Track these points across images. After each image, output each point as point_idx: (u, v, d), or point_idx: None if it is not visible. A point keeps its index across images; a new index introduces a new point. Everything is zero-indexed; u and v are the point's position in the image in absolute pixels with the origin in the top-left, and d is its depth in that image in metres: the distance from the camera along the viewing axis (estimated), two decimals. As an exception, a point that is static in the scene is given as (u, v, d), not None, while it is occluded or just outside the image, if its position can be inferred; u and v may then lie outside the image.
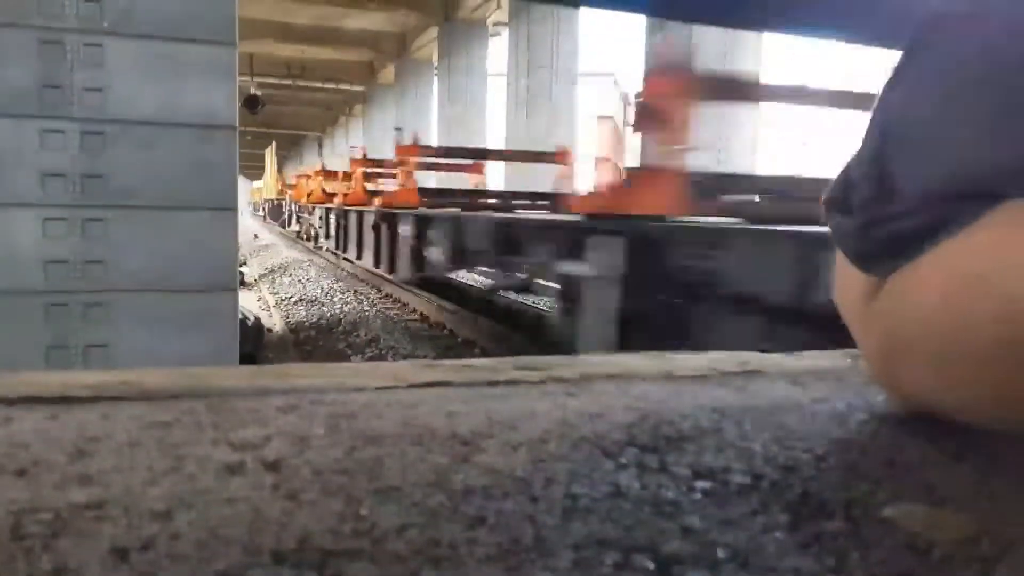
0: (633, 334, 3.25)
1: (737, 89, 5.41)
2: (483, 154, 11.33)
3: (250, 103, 18.03)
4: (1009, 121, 0.42)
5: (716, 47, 7.51)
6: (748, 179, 5.72)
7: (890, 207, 0.47)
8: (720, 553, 0.32)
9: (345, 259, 10.40)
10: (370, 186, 11.26)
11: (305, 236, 15.45)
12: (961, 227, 0.43)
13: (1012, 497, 0.40)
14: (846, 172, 0.52)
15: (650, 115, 3.87)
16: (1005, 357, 0.41)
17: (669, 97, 3.87)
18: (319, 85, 21.80)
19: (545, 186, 9.45)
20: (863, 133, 0.50)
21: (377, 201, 9.38)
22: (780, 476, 0.42)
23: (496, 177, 12.52)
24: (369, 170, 11.88)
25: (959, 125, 0.45)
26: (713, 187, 4.44)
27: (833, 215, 0.53)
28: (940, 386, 0.47)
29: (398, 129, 11.55)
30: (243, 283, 7.39)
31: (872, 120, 0.50)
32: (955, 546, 0.33)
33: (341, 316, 6.69)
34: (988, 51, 0.44)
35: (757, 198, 4.68)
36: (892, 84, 0.50)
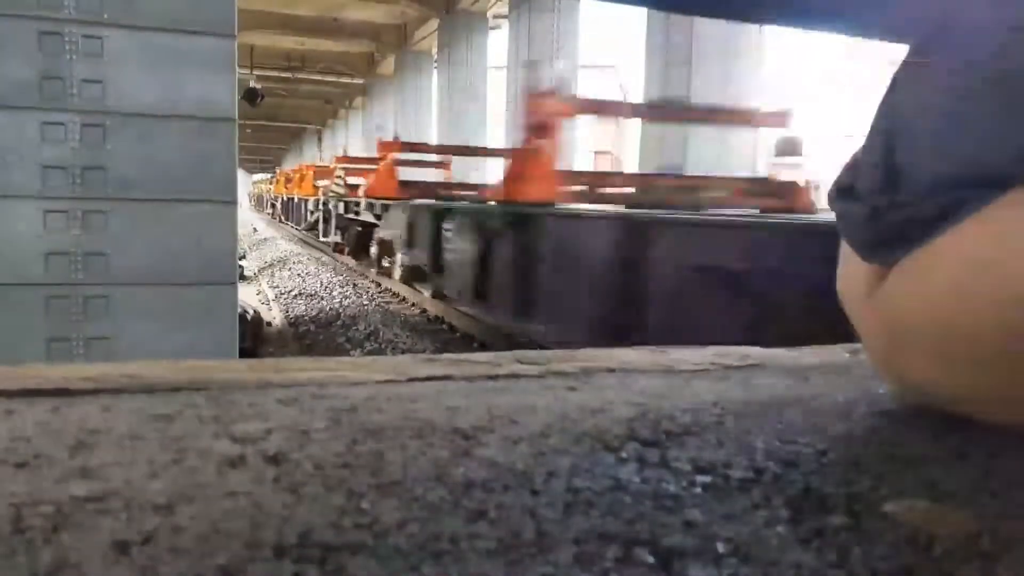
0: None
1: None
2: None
3: (249, 96, 17.75)
4: (1018, 111, 0.42)
5: (716, 40, 7.48)
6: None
7: (898, 195, 0.47)
8: (721, 547, 0.32)
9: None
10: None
11: (372, 255, 7.87)
12: (968, 215, 0.43)
13: (1013, 494, 0.39)
14: (854, 160, 0.52)
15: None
16: (1008, 342, 0.41)
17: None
18: (319, 77, 21.76)
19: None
20: (872, 123, 0.51)
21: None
22: (781, 470, 0.42)
23: (495, 170, 12.48)
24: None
25: (969, 115, 0.45)
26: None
27: (840, 203, 0.53)
28: (943, 374, 0.47)
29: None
30: (242, 277, 7.37)
31: (881, 110, 0.50)
32: (956, 542, 0.33)
33: (340, 310, 6.69)
34: (998, 47, 0.44)
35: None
36: (902, 76, 0.50)
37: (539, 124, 4.79)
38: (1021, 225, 0.42)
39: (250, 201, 34.75)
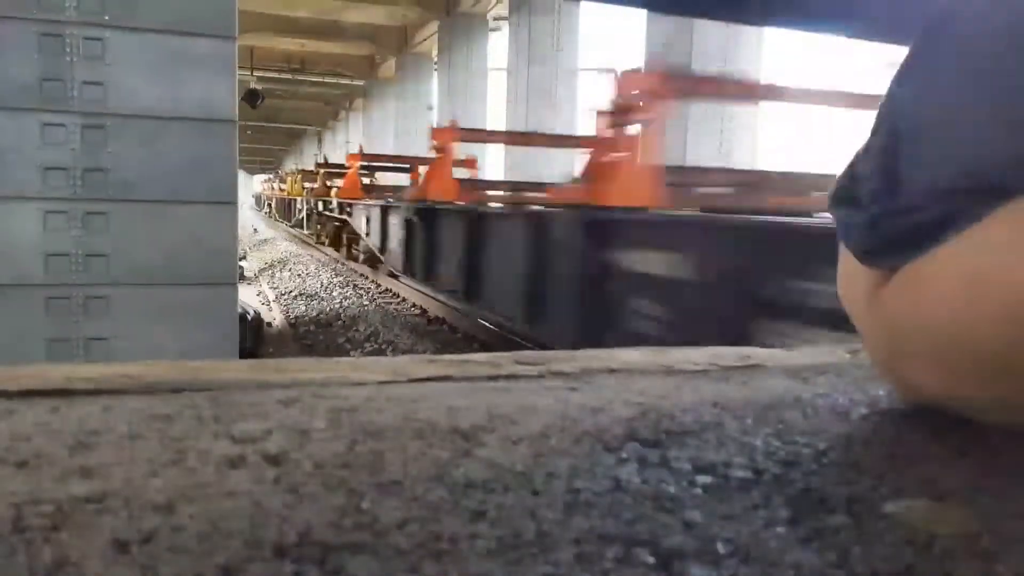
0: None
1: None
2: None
3: (250, 97, 17.66)
4: (1019, 117, 0.42)
5: (716, 44, 7.49)
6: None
7: (898, 201, 0.47)
8: (721, 548, 0.32)
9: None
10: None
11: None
12: (969, 223, 0.43)
13: (1013, 492, 0.39)
14: (853, 165, 0.52)
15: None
16: (1009, 354, 0.41)
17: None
18: (319, 79, 21.76)
19: (551, 176, 9.35)
20: (871, 127, 0.50)
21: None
22: (781, 471, 0.42)
23: (496, 168, 12.50)
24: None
25: (970, 121, 0.44)
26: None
27: (839, 208, 0.53)
28: (944, 381, 0.47)
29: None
30: (243, 277, 7.36)
31: (881, 114, 0.50)
32: (956, 541, 0.33)
33: (340, 311, 6.69)
34: (999, 48, 0.44)
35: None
36: (901, 79, 0.49)
37: (631, 108, 3.85)
38: (1021, 236, 0.41)
39: (257, 205, 32.49)
